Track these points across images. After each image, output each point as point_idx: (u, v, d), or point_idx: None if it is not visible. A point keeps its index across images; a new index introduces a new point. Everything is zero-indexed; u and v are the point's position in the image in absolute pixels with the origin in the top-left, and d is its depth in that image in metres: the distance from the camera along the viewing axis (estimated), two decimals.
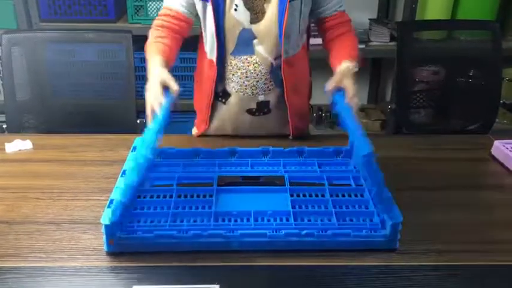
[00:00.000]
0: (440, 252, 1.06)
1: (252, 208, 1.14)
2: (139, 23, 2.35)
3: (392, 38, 2.48)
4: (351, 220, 1.13)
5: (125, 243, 1.04)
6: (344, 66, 1.31)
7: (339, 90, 1.28)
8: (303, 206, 1.18)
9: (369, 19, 2.61)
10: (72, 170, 1.36)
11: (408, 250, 1.06)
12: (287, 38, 1.38)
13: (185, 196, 1.20)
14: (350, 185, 1.26)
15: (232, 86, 1.46)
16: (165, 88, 1.24)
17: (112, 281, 0.99)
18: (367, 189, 1.22)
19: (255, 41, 1.40)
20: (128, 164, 1.25)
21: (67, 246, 1.06)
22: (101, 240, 1.06)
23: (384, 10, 2.72)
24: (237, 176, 1.27)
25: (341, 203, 1.19)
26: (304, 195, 1.21)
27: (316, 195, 1.21)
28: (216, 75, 1.44)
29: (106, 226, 1.01)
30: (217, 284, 0.96)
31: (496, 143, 1.47)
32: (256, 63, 1.42)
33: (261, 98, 1.47)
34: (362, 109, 2.76)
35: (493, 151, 1.48)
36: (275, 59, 1.42)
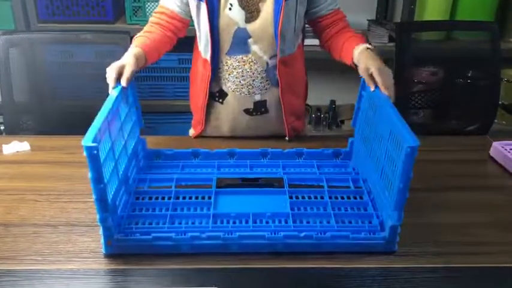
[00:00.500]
0: (439, 254, 1.06)
1: (250, 210, 1.14)
2: (138, 24, 2.34)
3: (391, 39, 2.47)
4: (350, 222, 1.13)
5: (122, 245, 1.04)
6: (362, 48, 1.30)
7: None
8: (302, 208, 1.17)
9: (368, 20, 2.61)
10: (69, 171, 1.36)
11: (407, 252, 1.06)
12: (282, 38, 1.38)
13: (183, 198, 1.20)
14: (349, 187, 1.25)
15: (228, 86, 1.46)
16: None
17: (109, 283, 0.99)
18: (366, 191, 1.22)
19: (250, 40, 1.39)
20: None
21: (64, 249, 1.06)
22: (98, 243, 1.05)
23: (382, 11, 2.71)
24: (236, 178, 1.27)
25: (340, 205, 1.18)
26: (303, 197, 1.21)
27: (315, 198, 1.21)
28: (210, 75, 1.43)
29: (104, 227, 1.00)
30: (216, 286, 0.96)
31: (495, 144, 1.47)
32: (252, 61, 1.41)
33: (258, 97, 1.47)
34: None
35: (492, 152, 1.48)
36: (270, 58, 1.41)
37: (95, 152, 0.93)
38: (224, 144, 1.44)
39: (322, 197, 1.21)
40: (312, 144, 1.43)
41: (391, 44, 2.43)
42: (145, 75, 2.45)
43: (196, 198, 1.20)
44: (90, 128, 0.98)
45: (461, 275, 1.01)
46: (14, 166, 1.40)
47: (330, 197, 1.20)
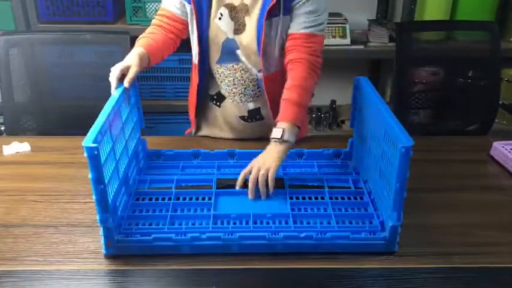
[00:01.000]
0: (440, 254, 1.06)
1: (251, 211, 1.14)
2: (138, 24, 2.35)
3: (391, 39, 2.47)
4: (350, 223, 1.13)
5: (123, 246, 1.03)
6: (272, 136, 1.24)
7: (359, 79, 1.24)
8: (302, 209, 1.17)
9: (368, 20, 2.61)
10: (70, 172, 1.36)
11: (407, 252, 1.06)
12: (266, 55, 1.36)
13: (184, 199, 1.20)
14: (349, 187, 1.25)
15: (225, 90, 1.46)
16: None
17: (109, 284, 0.99)
18: (367, 191, 1.22)
19: (238, 51, 1.39)
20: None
21: (64, 250, 1.06)
22: (98, 244, 1.05)
23: (382, 11, 2.71)
24: (236, 179, 1.26)
25: (340, 206, 1.18)
26: (303, 198, 1.21)
27: (316, 198, 1.21)
28: (198, 80, 1.43)
29: (104, 228, 1.00)
30: (216, 287, 0.96)
31: (495, 144, 1.47)
32: (243, 69, 1.41)
33: (251, 105, 1.47)
34: None
35: (492, 152, 1.48)
36: (258, 71, 1.40)
37: (96, 152, 0.93)
38: (224, 145, 1.44)
39: (322, 198, 1.20)
40: (312, 145, 1.43)
41: (392, 43, 2.44)
42: (145, 75, 2.45)
43: (197, 199, 1.20)
44: (91, 129, 0.98)
45: (462, 275, 1.01)
46: (15, 167, 1.40)
47: (331, 198, 1.20)
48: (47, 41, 1.83)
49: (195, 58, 1.43)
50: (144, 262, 1.02)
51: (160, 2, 2.31)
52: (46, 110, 1.83)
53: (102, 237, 1.02)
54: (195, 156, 1.38)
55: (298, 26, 1.33)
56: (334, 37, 2.42)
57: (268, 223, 1.12)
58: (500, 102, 2.01)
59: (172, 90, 2.49)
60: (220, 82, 1.44)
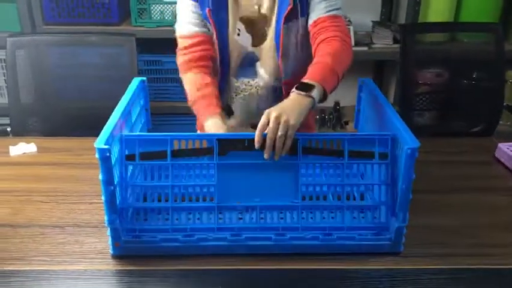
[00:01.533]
0: (445, 255, 1.06)
1: (257, 195, 1.06)
2: (143, 26, 2.36)
3: (395, 41, 2.47)
4: (362, 212, 1.11)
5: (130, 247, 1.04)
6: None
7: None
8: (314, 197, 1.10)
9: (372, 21, 2.61)
10: (76, 173, 1.37)
11: (413, 253, 1.06)
12: (285, 58, 1.35)
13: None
14: (373, 152, 1.08)
15: (236, 105, 1.45)
16: None
17: (116, 284, 0.99)
18: (372, 192, 1.21)
19: (258, 63, 1.39)
20: None
21: (71, 250, 1.07)
22: (105, 244, 1.06)
23: (386, 12, 2.71)
24: (241, 139, 1.05)
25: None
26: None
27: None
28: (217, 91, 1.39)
29: (112, 228, 1.01)
30: (222, 287, 0.96)
31: (500, 145, 1.47)
32: (259, 86, 1.41)
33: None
34: None
35: (497, 153, 1.48)
36: (275, 80, 1.39)
37: (107, 154, 0.94)
38: None
39: (339, 197, 1.11)
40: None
41: (396, 45, 2.43)
42: (150, 77, 2.46)
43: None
44: (103, 130, 0.98)
45: (467, 277, 1.01)
46: (21, 167, 1.41)
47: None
48: (53, 42, 1.84)
49: (216, 73, 1.40)
50: (150, 262, 1.03)
51: (164, 3, 2.34)
52: (52, 111, 1.84)
53: (110, 237, 1.03)
54: None
55: (321, 11, 1.29)
56: None
57: (273, 219, 1.09)
58: (505, 103, 2.01)
59: (177, 92, 2.49)
60: (236, 95, 1.43)
